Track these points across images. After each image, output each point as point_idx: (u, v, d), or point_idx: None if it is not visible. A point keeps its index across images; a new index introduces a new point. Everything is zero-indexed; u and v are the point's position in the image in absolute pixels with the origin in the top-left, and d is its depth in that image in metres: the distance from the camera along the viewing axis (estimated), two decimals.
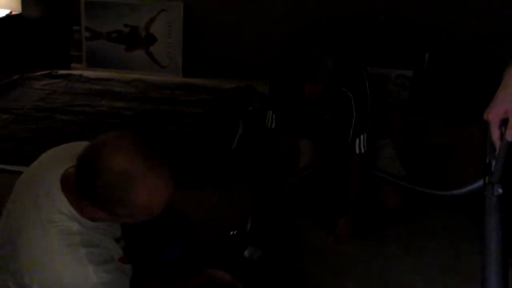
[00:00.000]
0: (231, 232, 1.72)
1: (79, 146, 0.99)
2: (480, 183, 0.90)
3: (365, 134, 1.81)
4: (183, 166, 2.42)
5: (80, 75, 3.78)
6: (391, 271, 1.80)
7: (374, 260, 1.85)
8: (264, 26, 3.87)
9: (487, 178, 0.85)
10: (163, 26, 3.91)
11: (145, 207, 0.92)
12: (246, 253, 1.60)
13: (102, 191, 0.89)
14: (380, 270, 1.80)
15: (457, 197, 1.73)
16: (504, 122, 0.85)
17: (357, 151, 1.82)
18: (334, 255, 1.87)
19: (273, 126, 2.00)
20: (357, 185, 1.92)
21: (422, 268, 1.81)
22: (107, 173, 0.88)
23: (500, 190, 0.81)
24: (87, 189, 0.91)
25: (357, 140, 1.81)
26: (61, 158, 1.06)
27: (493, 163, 0.85)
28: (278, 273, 1.67)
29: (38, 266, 0.95)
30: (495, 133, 0.86)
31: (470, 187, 1.12)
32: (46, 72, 3.84)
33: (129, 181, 0.88)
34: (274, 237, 1.77)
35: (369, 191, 2.06)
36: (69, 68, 4.00)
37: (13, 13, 3.90)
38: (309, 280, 1.70)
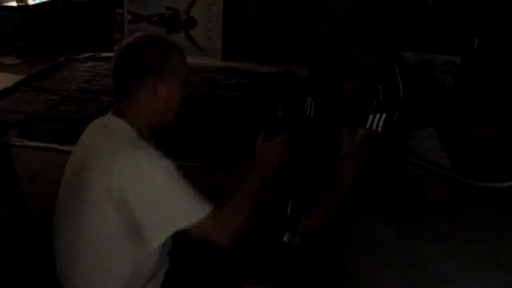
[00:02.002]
0: (271, 217, 1.72)
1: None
2: None
3: (384, 115, 1.71)
4: (222, 149, 2.44)
5: None
6: (430, 261, 1.75)
7: (413, 250, 1.82)
8: (305, 10, 3.80)
9: None
10: (204, 9, 3.92)
11: (182, 66, 1.09)
12: (285, 238, 1.60)
13: (157, 62, 1.04)
14: (419, 261, 1.76)
15: (503, 189, 1.66)
16: None
17: (368, 125, 1.72)
18: (373, 244, 1.84)
19: (311, 113, 1.96)
20: (357, 171, 1.69)
21: (460, 260, 1.76)
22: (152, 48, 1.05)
23: None
24: (150, 67, 1.04)
25: (371, 116, 1.72)
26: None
27: None
28: (316, 259, 1.66)
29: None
30: None
31: None
32: (90, 54, 3.96)
33: (165, 49, 1.06)
34: None
35: (410, 182, 2.01)
36: (111, 51, 4.09)
37: None
38: (348, 268, 1.69)
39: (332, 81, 1.72)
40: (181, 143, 2.39)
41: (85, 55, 3.95)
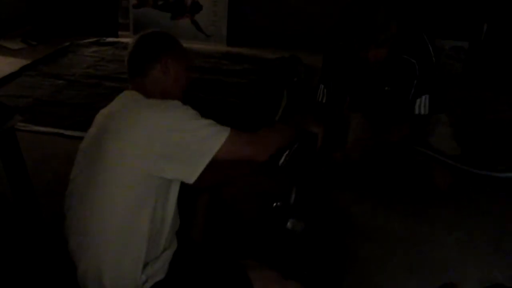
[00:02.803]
0: (274, 204, 1.72)
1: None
2: None
3: (428, 96, 1.71)
4: None
5: (127, 43, 3.84)
6: (434, 249, 1.76)
7: (417, 237, 1.82)
8: None
9: None
10: None
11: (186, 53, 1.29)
12: (288, 225, 1.61)
13: (167, 46, 1.23)
14: (423, 248, 1.77)
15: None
16: None
17: (417, 111, 1.73)
18: (378, 230, 1.85)
19: (324, 100, 1.94)
20: (400, 135, 1.81)
21: (468, 248, 1.76)
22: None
23: None
24: (163, 47, 1.22)
25: (418, 100, 1.72)
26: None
27: None
28: (319, 246, 1.67)
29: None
30: None
31: None
32: (95, 39, 3.94)
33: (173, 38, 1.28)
34: (317, 210, 1.76)
35: (417, 169, 2.00)
36: (116, 36, 4.07)
37: None
38: (351, 255, 1.70)
39: (354, 55, 1.70)
40: None
41: (90, 40, 3.93)
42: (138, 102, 1.12)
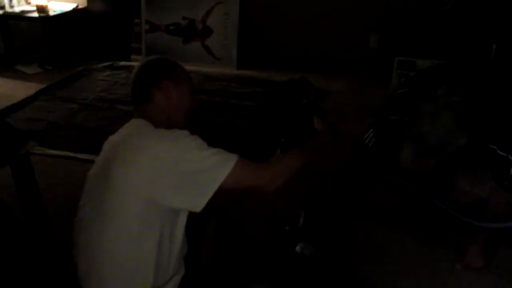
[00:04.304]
0: (285, 227, 1.73)
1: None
2: None
3: None
4: None
5: None
6: (445, 272, 1.74)
7: (428, 260, 1.80)
8: (319, 19, 3.81)
9: None
10: (219, 18, 3.97)
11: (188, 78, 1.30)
12: (297, 248, 1.61)
13: (168, 70, 1.25)
14: (434, 270, 1.74)
15: None
16: None
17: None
18: (386, 252, 1.83)
19: (370, 144, 1.90)
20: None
21: (481, 275, 1.73)
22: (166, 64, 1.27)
23: None
24: (163, 72, 1.23)
25: None
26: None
27: None
28: (329, 269, 1.66)
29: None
30: None
31: None
32: (108, 63, 4.03)
33: (174, 62, 1.29)
34: (326, 233, 1.76)
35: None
36: (129, 60, 4.17)
37: (80, 7, 4.11)
38: (360, 277, 1.68)
39: None
40: None
41: (103, 64, 4.02)
42: (145, 131, 1.12)
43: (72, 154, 2.53)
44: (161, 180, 1.04)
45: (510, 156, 1.52)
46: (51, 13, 3.86)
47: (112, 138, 1.20)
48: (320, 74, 3.69)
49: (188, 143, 1.08)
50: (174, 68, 1.27)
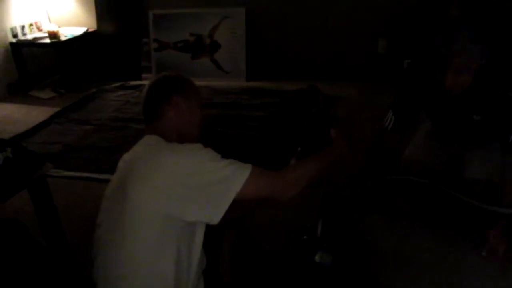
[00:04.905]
0: (304, 237, 1.71)
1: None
2: None
3: None
4: None
5: None
6: (467, 279, 1.69)
7: (450, 267, 1.76)
8: (325, 27, 3.83)
9: None
10: (227, 32, 4.01)
11: (198, 91, 1.32)
12: (316, 258, 1.59)
13: (177, 85, 1.28)
14: (456, 277, 1.70)
15: None
16: None
17: None
18: (406, 260, 1.79)
19: (389, 127, 1.93)
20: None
21: (503, 277, 1.69)
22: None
23: None
24: (173, 87, 1.26)
25: None
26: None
27: None
28: (349, 278, 1.64)
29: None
30: None
31: None
32: (120, 84, 4.10)
33: (183, 77, 1.32)
34: (345, 242, 1.74)
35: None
36: (140, 79, 4.23)
37: (90, 30, 4.20)
38: (380, 285, 1.65)
39: (435, 79, 1.65)
40: None
41: (115, 84, 4.09)
42: (159, 147, 1.14)
43: (87, 175, 2.56)
44: (177, 194, 1.04)
45: None
46: (62, 38, 3.95)
47: (126, 156, 1.22)
48: (329, 82, 3.69)
49: (201, 156, 1.09)
50: (183, 83, 1.29)
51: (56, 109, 3.58)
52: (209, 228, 1.14)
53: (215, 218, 1.06)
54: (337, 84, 3.68)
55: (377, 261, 1.78)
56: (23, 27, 4.04)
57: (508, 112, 1.64)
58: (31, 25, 4.12)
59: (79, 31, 4.13)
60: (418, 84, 1.82)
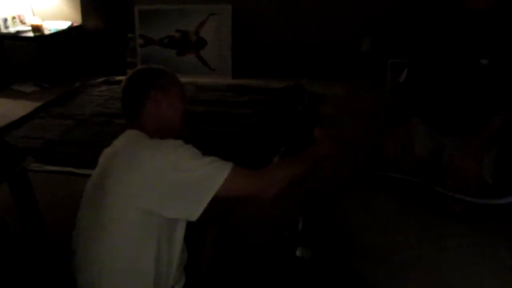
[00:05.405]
0: (286, 232, 1.73)
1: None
2: None
3: None
4: None
5: None
6: (449, 272, 1.73)
7: (432, 261, 1.79)
8: (311, 25, 3.85)
9: None
10: (213, 29, 4.00)
11: (177, 83, 1.28)
12: (297, 252, 1.61)
13: (154, 80, 1.23)
14: (438, 272, 1.74)
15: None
16: None
17: None
18: (389, 255, 1.82)
19: (402, 79, 2.01)
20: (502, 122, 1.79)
21: (483, 270, 1.73)
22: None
23: None
24: (150, 82, 1.22)
25: None
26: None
27: None
28: (331, 273, 1.66)
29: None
30: None
31: None
32: (104, 78, 4.06)
33: (159, 70, 1.26)
34: (326, 237, 1.76)
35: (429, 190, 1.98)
36: (125, 74, 4.17)
37: (74, 24, 4.15)
38: (363, 281, 1.68)
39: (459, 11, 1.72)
40: None
41: (99, 79, 4.05)
42: (138, 143, 1.12)
43: (69, 169, 2.53)
44: (156, 191, 1.04)
45: None
46: (46, 32, 3.90)
47: (107, 151, 1.21)
48: (315, 80, 3.72)
49: (181, 153, 1.08)
50: (161, 76, 1.25)
51: (39, 104, 3.53)
52: (191, 223, 1.14)
53: (194, 215, 1.06)
54: (322, 82, 3.71)
55: (360, 256, 1.81)
56: (5, 20, 3.97)
57: None
58: (14, 18, 4.05)
59: (63, 25, 4.07)
60: (435, 24, 1.87)
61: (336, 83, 3.70)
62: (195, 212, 1.05)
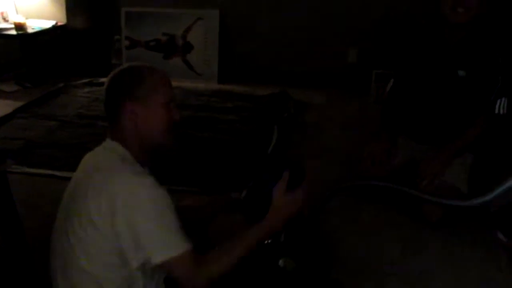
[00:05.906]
0: (266, 241, 1.72)
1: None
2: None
3: (506, 99, 1.72)
4: (219, 173, 2.46)
5: None
6: (430, 281, 1.75)
7: (411, 270, 1.81)
8: (298, 34, 3.87)
9: None
10: (200, 34, 3.99)
11: (161, 89, 1.14)
12: (280, 263, 1.61)
13: (131, 89, 1.11)
14: (417, 281, 1.76)
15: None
16: None
17: (497, 110, 1.74)
18: (371, 266, 1.84)
19: (388, 89, 2.06)
20: (477, 133, 1.86)
21: (461, 280, 1.76)
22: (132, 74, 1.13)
23: None
24: (126, 93, 1.11)
25: (499, 100, 1.73)
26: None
27: None
28: (314, 283, 1.66)
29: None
30: None
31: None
32: (88, 80, 4.00)
33: (140, 75, 1.13)
34: (309, 247, 1.76)
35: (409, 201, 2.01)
36: None
37: (59, 24, 4.09)
38: None
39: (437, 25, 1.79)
40: (177, 166, 2.40)
41: (83, 81, 3.99)
42: (110, 169, 1.08)
43: (50, 172, 2.48)
44: (115, 224, 1.02)
45: None
46: (30, 30, 3.83)
47: (87, 160, 1.18)
48: (301, 88, 3.74)
49: (147, 203, 1.03)
50: (139, 84, 1.11)
51: (20, 103, 3.46)
52: None
53: (131, 264, 1.04)
54: (307, 91, 3.73)
55: (341, 266, 1.82)
56: None
57: (493, 70, 1.71)
58: None
59: (47, 24, 4.01)
60: (417, 38, 1.94)
61: (322, 92, 3.73)
62: (134, 261, 1.03)
